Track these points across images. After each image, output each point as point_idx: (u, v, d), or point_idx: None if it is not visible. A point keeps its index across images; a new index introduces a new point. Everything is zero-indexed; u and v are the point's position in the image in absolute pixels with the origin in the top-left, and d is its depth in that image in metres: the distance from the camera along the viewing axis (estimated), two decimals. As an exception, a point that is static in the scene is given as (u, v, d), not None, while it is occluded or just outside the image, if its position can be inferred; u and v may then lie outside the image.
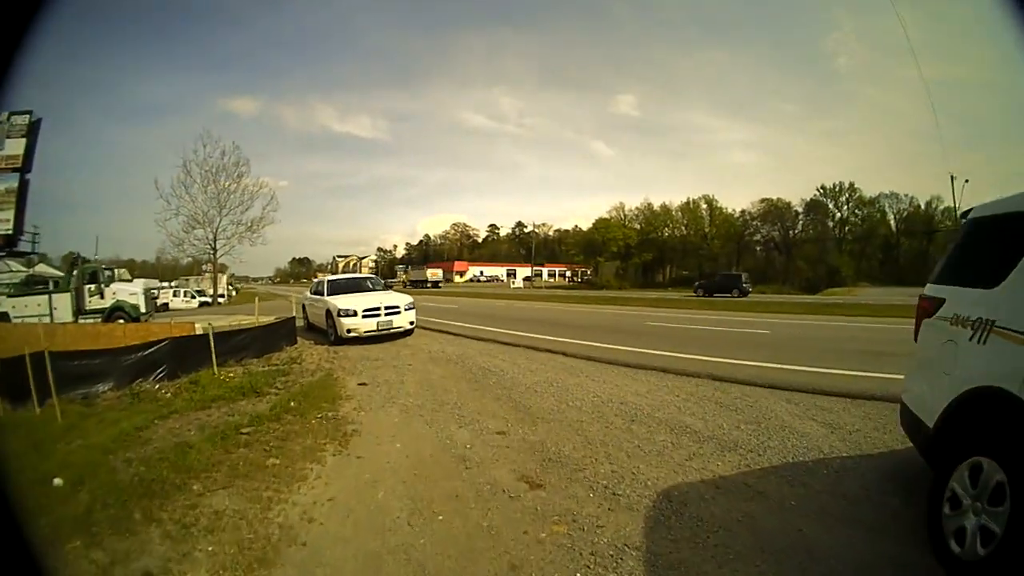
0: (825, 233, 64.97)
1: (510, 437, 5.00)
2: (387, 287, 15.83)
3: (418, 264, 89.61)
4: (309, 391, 7.04)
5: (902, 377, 6.56)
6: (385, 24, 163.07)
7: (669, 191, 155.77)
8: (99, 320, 17.86)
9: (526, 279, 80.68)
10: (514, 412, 5.87)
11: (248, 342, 10.11)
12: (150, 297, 22.02)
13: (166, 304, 35.65)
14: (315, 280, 19.25)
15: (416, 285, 60.35)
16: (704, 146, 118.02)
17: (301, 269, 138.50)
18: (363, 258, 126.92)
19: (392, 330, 11.99)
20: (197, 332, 10.47)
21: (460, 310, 21.96)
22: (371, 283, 14.59)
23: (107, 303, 19.05)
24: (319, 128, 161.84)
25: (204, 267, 49.79)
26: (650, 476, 3.95)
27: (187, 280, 49.18)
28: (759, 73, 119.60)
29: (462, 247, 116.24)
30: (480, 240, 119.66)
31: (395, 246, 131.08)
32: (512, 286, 71.90)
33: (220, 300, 42.73)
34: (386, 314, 11.93)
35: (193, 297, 39.08)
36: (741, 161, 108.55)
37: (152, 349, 8.12)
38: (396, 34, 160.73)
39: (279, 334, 11.61)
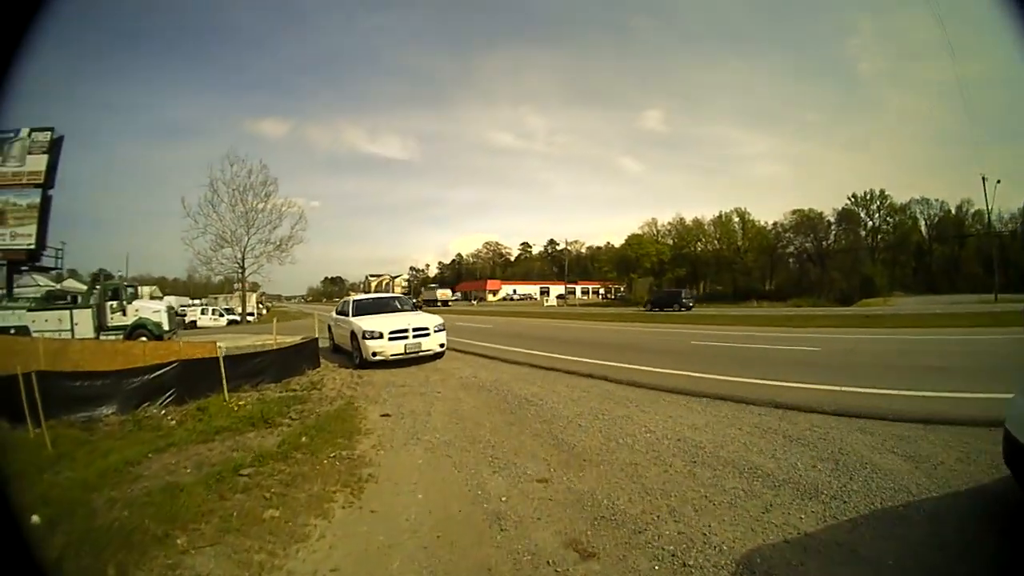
0: (858, 242, 63.33)
1: (553, 486, 4.22)
2: (416, 307, 15.18)
3: (448, 284, 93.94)
4: (325, 423, 6.39)
5: (970, 396, 6.17)
6: (410, 48, 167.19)
7: (699, 205, 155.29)
8: (121, 337, 17.78)
9: (560, 297, 79.88)
10: (556, 452, 5.09)
11: (266, 365, 9.50)
12: (174, 315, 21.96)
13: (194, 322, 35.93)
14: (342, 300, 18.82)
15: (429, 304, 62.56)
16: (732, 159, 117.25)
17: (334, 288, 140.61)
18: (395, 277, 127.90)
19: (421, 353, 11.33)
20: (220, 351, 9.99)
21: (494, 330, 21.37)
22: (399, 303, 13.99)
23: (129, 320, 19.02)
24: (348, 149, 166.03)
25: (235, 285, 50.21)
26: (725, 537, 3.20)
27: (216, 298, 49.74)
28: (783, 83, 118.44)
29: (494, 265, 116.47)
30: (512, 258, 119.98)
31: (427, 265, 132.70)
32: (546, 304, 71.48)
33: (249, 319, 42.75)
34: (414, 336, 11.27)
35: (221, 315, 39.37)
36: (770, 172, 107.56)
37: (159, 372, 7.62)
38: (422, 56, 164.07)
39: (301, 356, 11.01)
